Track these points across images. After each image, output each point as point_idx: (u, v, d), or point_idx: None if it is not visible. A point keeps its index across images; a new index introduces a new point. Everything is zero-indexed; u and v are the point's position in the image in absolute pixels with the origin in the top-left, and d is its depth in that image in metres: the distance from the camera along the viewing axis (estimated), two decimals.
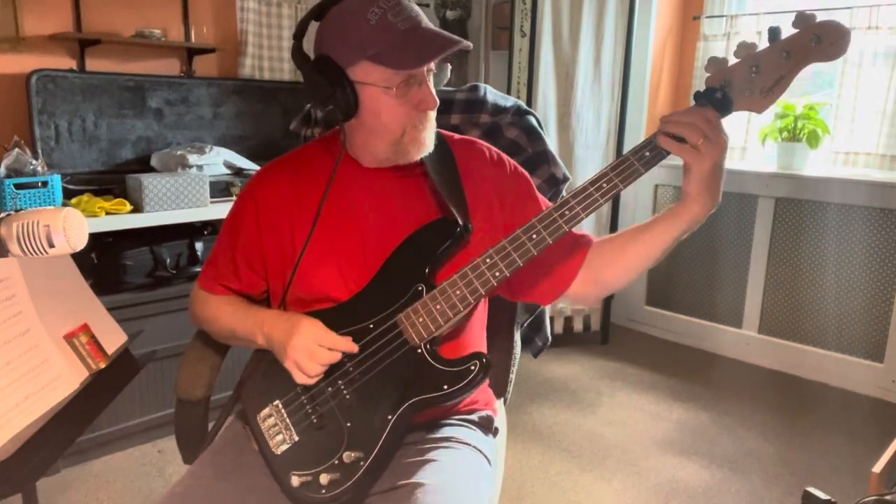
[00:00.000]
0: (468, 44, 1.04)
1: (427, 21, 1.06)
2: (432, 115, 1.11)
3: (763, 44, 0.96)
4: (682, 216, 1.01)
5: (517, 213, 1.14)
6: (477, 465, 1.12)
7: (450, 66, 1.14)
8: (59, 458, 2.16)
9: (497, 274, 1.02)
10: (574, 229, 1.16)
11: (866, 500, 1.00)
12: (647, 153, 0.98)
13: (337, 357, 1.04)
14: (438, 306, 1.05)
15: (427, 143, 1.11)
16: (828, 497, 1.02)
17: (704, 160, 0.95)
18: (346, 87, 1.04)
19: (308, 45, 1.10)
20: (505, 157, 1.24)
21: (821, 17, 0.92)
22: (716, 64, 0.97)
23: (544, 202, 1.20)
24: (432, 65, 1.07)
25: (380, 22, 1.01)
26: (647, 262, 1.08)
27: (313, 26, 1.10)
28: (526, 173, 1.23)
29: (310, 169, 1.19)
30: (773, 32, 0.95)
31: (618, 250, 1.11)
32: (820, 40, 0.92)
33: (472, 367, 1.04)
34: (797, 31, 0.93)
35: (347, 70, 1.04)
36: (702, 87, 0.98)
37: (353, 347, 1.06)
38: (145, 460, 2.30)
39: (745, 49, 0.95)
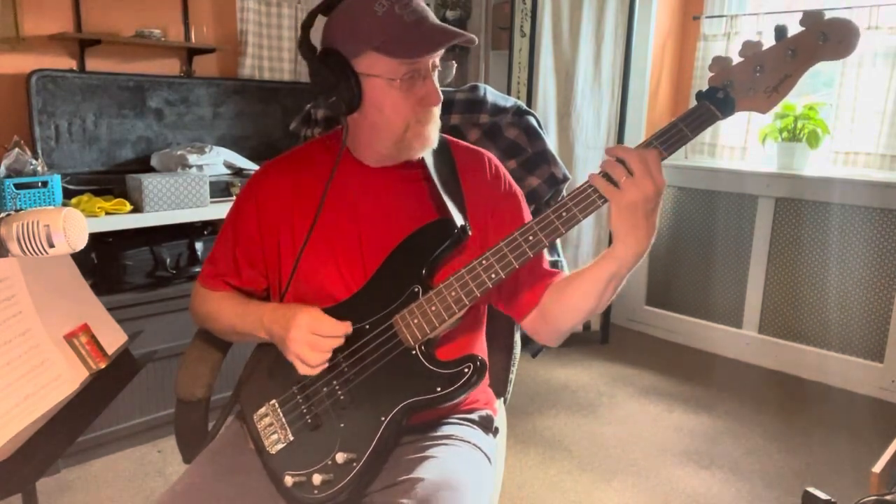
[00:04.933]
0: (472, 37, 1.05)
1: (434, 17, 1.07)
2: (436, 111, 1.11)
3: (770, 43, 0.94)
4: (610, 256, 1.01)
5: (504, 230, 1.11)
6: (477, 462, 1.13)
7: (455, 65, 1.13)
8: (59, 458, 2.15)
9: (493, 276, 1.01)
10: (549, 261, 1.17)
11: (866, 500, 1.00)
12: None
13: (339, 341, 1.04)
14: (433, 308, 1.04)
15: (431, 139, 1.11)
16: (828, 497, 1.02)
17: (622, 196, 0.93)
18: (351, 79, 1.04)
19: (315, 42, 1.10)
20: (503, 171, 1.23)
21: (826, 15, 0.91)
22: (719, 63, 0.96)
23: None
24: (437, 60, 1.08)
25: (387, 13, 1.02)
26: (587, 301, 1.07)
27: (320, 21, 1.10)
28: (519, 191, 1.24)
29: (311, 167, 1.19)
30: (780, 31, 0.93)
31: (562, 287, 1.11)
32: (827, 38, 0.90)
33: (466, 370, 1.03)
34: (804, 28, 0.92)
35: (353, 61, 1.04)
36: (702, 88, 0.97)
37: (348, 328, 1.05)
38: (145, 460, 2.30)
39: (749, 48, 0.94)
